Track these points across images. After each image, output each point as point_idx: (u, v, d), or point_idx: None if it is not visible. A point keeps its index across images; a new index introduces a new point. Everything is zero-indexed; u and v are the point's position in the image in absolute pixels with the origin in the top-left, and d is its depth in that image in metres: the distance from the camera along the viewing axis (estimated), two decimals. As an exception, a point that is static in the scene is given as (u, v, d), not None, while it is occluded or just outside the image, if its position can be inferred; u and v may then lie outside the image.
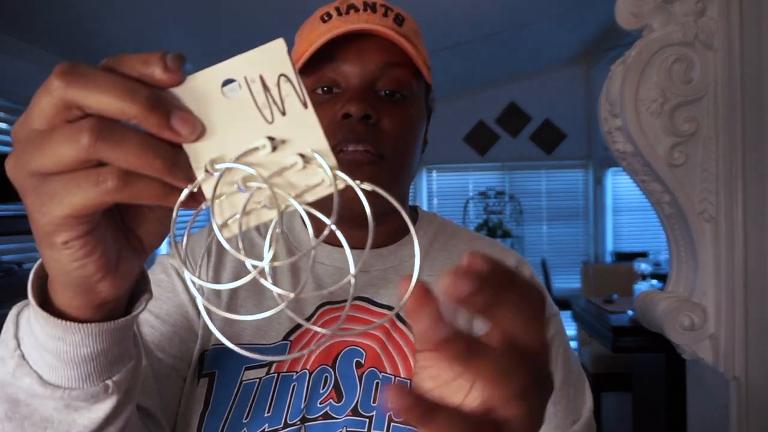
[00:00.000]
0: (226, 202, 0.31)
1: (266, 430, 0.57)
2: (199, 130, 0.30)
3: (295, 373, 0.60)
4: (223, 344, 0.60)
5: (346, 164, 0.61)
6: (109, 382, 0.38)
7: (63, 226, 0.30)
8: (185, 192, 0.30)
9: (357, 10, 0.63)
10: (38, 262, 0.37)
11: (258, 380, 0.60)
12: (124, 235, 0.35)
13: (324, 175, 0.30)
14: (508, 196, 5.24)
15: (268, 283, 0.31)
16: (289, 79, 0.29)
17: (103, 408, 0.39)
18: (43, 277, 0.37)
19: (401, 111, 0.63)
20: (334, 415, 0.58)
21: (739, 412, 1.22)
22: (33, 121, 0.29)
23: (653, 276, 3.83)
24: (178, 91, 0.30)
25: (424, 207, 2.19)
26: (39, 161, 0.29)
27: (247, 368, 0.60)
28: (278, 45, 0.29)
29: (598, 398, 3.06)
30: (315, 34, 0.62)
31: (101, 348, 0.37)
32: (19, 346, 0.38)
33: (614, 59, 1.25)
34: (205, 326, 0.62)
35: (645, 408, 2.52)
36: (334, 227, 0.31)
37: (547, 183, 5.26)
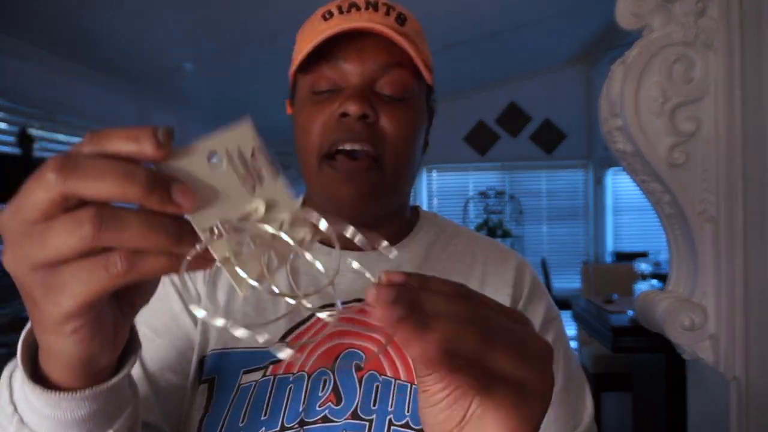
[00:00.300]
0: (238, 260, 0.34)
1: None
2: (197, 199, 0.31)
3: (291, 375, 0.60)
4: (221, 349, 0.60)
5: (345, 172, 0.60)
6: (110, 431, 0.39)
7: (74, 316, 0.30)
8: (192, 254, 0.31)
9: (359, 8, 0.62)
10: (26, 331, 0.37)
11: (254, 383, 0.59)
12: (119, 305, 0.35)
13: (305, 232, 0.35)
14: (508, 196, 5.24)
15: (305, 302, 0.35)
16: (255, 153, 0.33)
17: None
18: (32, 346, 0.36)
19: (401, 111, 0.62)
20: (334, 419, 0.57)
21: (739, 412, 1.22)
22: (27, 214, 0.28)
23: (653, 276, 3.83)
24: (170, 167, 0.31)
25: (424, 207, 2.18)
26: (41, 254, 0.28)
27: (245, 372, 0.60)
28: (246, 127, 0.33)
29: (598, 398, 3.06)
30: (316, 32, 0.61)
31: (98, 406, 0.37)
32: (16, 410, 0.37)
33: (614, 59, 1.25)
34: (203, 332, 0.62)
35: (645, 408, 2.52)
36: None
37: (547, 183, 5.26)
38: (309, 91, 0.64)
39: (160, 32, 2.62)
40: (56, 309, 0.30)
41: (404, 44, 0.60)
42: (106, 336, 0.33)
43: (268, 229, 0.33)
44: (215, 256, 0.32)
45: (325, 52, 0.61)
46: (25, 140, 2.26)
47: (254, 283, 0.33)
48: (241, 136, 0.33)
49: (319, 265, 0.36)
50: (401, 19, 0.63)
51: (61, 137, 2.63)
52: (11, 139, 2.27)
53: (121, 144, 0.29)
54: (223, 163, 0.32)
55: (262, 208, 0.33)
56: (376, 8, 0.63)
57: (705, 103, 1.20)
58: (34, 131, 2.37)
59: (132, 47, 2.68)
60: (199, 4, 2.42)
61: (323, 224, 0.34)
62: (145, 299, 0.37)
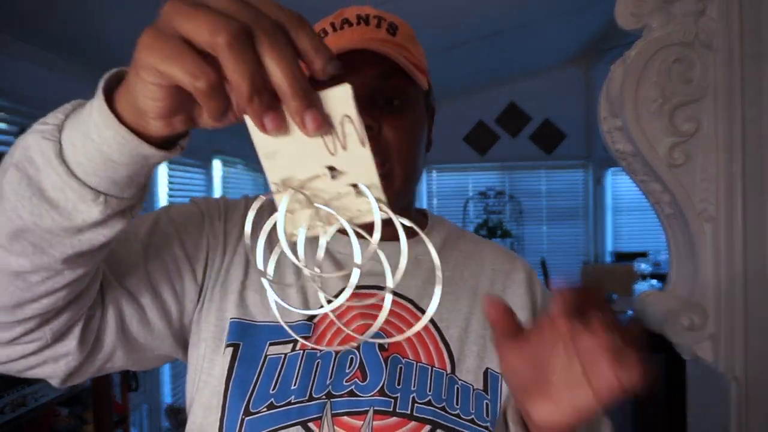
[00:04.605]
0: (289, 217, 0.38)
1: (292, 401, 0.60)
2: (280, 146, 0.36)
3: (319, 352, 0.64)
4: (249, 320, 0.64)
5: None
6: (101, 195, 0.41)
7: (154, 74, 0.35)
8: (258, 201, 0.38)
9: (351, 24, 0.66)
10: (113, 71, 0.42)
11: (284, 355, 0.63)
12: (187, 109, 0.39)
13: (368, 205, 0.36)
14: (508, 196, 5.24)
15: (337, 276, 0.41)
16: (351, 120, 0.34)
17: (91, 212, 0.41)
18: (110, 82, 0.41)
19: (401, 118, 0.66)
20: (360, 394, 0.62)
21: (739, 412, 1.22)
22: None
23: (653, 276, 3.83)
24: None
25: (424, 207, 2.19)
26: (187, 26, 0.33)
27: (272, 344, 0.63)
28: (345, 89, 0.34)
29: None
30: None
31: (117, 158, 0.40)
32: (64, 120, 0.42)
33: (614, 59, 1.25)
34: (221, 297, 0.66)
35: (645, 408, 2.52)
36: (375, 247, 0.38)
37: (547, 183, 5.26)
38: None
39: (160, 32, 2.63)
40: (147, 59, 0.35)
41: (395, 57, 0.63)
42: (165, 108, 0.37)
43: (319, 197, 0.36)
44: (277, 206, 0.36)
45: None
46: (25, 140, 2.27)
47: (290, 255, 0.37)
48: (337, 98, 0.34)
49: (355, 244, 0.38)
50: (392, 29, 0.67)
51: (61, 137, 2.64)
52: (11, 139, 2.27)
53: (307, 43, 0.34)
54: None
55: (328, 175, 0.35)
56: (367, 22, 0.66)
57: (705, 103, 1.20)
58: (34, 131, 2.37)
59: (132, 48, 2.68)
60: (199, 4, 2.42)
61: (375, 207, 0.36)
62: (198, 123, 0.41)
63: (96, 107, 0.40)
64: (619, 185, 5.02)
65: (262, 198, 0.37)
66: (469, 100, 5.01)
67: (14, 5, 2.06)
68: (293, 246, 0.39)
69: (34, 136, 0.41)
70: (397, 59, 0.63)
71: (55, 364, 0.54)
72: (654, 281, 3.65)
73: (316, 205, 0.37)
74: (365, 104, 0.63)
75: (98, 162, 0.40)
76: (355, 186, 0.36)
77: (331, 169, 0.35)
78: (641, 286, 3.00)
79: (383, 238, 0.38)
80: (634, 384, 0.41)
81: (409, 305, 0.68)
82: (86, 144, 0.40)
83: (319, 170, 0.35)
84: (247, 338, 0.63)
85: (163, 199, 3.44)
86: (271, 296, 0.40)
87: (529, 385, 0.46)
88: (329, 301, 0.39)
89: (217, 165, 4.18)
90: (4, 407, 1.76)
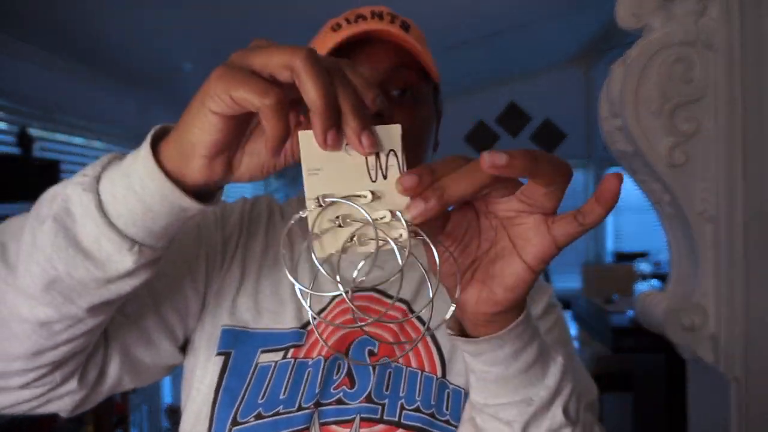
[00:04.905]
0: (325, 234, 0.40)
1: (280, 411, 0.60)
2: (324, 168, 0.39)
3: (310, 360, 0.63)
4: (241, 327, 0.63)
5: None
6: (136, 245, 0.43)
7: (223, 99, 0.37)
8: (296, 217, 0.40)
9: (365, 18, 0.66)
10: (158, 127, 0.43)
11: (274, 363, 0.62)
12: (232, 150, 0.43)
13: (402, 231, 0.39)
14: (509, 196, 5.23)
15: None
16: (396, 155, 0.39)
17: (125, 262, 0.43)
18: (156, 138, 0.43)
19: (413, 110, 0.66)
20: (348, 401, 0.61)
21: (739, 412, 1.22)
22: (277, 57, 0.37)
23: (653, 276, 3.83)
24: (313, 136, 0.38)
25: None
26: (260, 58, 0.37)
27: (263, 351, 0.63)
28: (396, 128, 0.39)
29: (598, 398, 3.06)
30: (326, 43, 0.65)
31: (157, 209, 0.42)
32: (103, 170, 0.44)
33: (614, 59, 1.25)
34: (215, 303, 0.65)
35: (645, 408, 2.52)
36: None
37: (547, 183, 5.24)
38: None
39: (160, 32, 2.62)
40: (215, 88, 0.37)
41: (411, 43, 0.64)
42: (217, 143, 0.40)
43: (358, 208, 0.38)
44: (309, 222, 0.38)
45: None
46: (25, 140, 2.26)
47: (320, 267, 0.39)
48: (388, 134, 0.39)
49: (396, 252, 0.40)
50: (405, 26, 0.67)
51: (61, 137, 2.63)
52: (11, 139, 2.27)
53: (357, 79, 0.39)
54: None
55: (369, 196, 0.38)
56: (381, 17, 0.67)
57: (705, 103, 1.20)
58: (34, 131, 2.37)
59: (132, 47, 2.68)
60: (200, 4, 2.42)
61: (404, 233, 0.39)
62: (239, 171, 0.44)
63: (142, 157, 0.42)
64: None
65: (298, 216, 0.40)
66: (469, 100, 5.01)
67: (14, 5, 2.06)
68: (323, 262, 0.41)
69: (74, 188, 0.43)
70: (414, 48, 0.64)
71: (60, 401, 0.54)
72: (654, 281, 3.65)
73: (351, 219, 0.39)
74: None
75: (138, 212, 0.42)
76: (391, 212, 0.39)
77: (372, 193, 0.39)
78: (641, 286, 3.00)
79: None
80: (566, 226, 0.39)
81: (403, 306, 0.67)
82: (128, 195, 0.42)
83: (360, 191, 0.39)
84: (239, 346, 0.63)
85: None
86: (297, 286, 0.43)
87: (461, 271, 0.43)
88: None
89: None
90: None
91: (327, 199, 0.38)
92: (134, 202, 0.42)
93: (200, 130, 0.39)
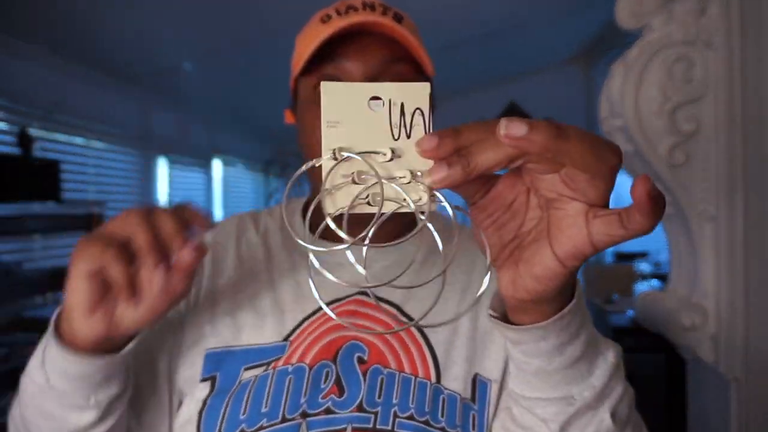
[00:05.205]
0: (338, 190, 0.37)
1: (264, 425, 0.57)
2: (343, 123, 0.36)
3: (290, 366, 0.60)
4: (223, 347, 0.62)
5: None
6: (92, 398, 0.50)
7: (79, 266, 0.44)
8: (309, 164, 0.38)
9: (356, 9, 0.63)
10: (59, 309, 0.49)
11: (254, 377, 0.60)
12: (108, 307, 0.46)
13: (422, 194, 0.36)
14: (508, 196, 5.22)
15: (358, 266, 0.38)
16: (422, 114, 0.36)
17: (87, 416, 0.50)
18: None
19: None
20: (337, 411, 0.58)
21: (739, 412, 1.22)
22: None
23: (653, 276, 3.83)
24: (338, 87, 0.36)
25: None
26: (110, 227, 0.45)
27: (246, 368, 0.60)
28: (425, 86, 0.36)
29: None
30: (316, 34, 0.62)
31: (88, 371, 0.48)
32: (44, 357, 0.50)
33: (614, 59, 1.25)
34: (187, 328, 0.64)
35: (645, 408, 2.52)
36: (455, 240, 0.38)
37: (547, 183, 5.24)
38: (313, 90, 0.64)
39: (160, 32, 2.62)
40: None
41: (404, 35, 0.61)
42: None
43: (368, 165, 0.36)
44: (323, 174, 0.36)
45: (326, 53, 0.62)
46: (25, 140, 2.26)
47: (331, 224, 0.36)
48: (415, 92, 0.36)
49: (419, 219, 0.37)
50: (398, 18, 0.64)
51: (61, 137, 2.63)
52: (11, 139, 2.27)
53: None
54: (382, 107, 0.36)
55: (389, 154, 0.36)
56: (373, 8, 0.64)
57: (705, 102, 1.20)
58: (34, 131, 2.37)
59: (132, 47, 2.68)
60: (199, 4, 2.42)
61: (424, 196, 0.36)
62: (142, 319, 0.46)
63: (46, 338, 0.49)
64: (619, 185, 5.02)
65: (311, 164, 0.38)
66: (469, 100, 5.01)
67: (14, 5, 2.06)
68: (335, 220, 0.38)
69: (34, 364, 0.50)
70: (408, 41, 0.62)
71: None
72: (654, 281, 3.65)
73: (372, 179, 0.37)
74: None
75: (67, 386, 0.49)
76: (411, 173, 0.36)
77: (392, 150, 0.36)
78: (641, 286, 3.00)
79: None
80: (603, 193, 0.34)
81: (393, 310, 0.64)
82: (54, 370, 0.49)
83: (379, 149, 0.36)
84: (222, 367, 0.61)
85: (163, 199, 3.45)
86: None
87: (498, 254, 0.39)
88: (328, 303, 0.38)
89: (217, 165, 4.18)
90: (5, 407, 1.76)
91: (343, 154, 0.36)
92: (61, 373, 0.49)
93: (70, 294, 0.45)
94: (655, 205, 0.31)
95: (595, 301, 3.01)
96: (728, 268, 1.22)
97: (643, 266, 4.07)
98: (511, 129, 0.30)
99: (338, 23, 0.61)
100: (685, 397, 1.43)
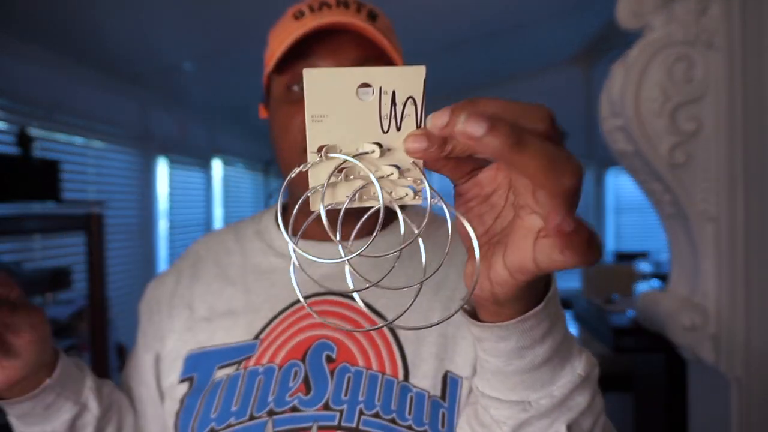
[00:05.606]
0: (319, 189, 0.35)
1: (232, 423, 0.58)
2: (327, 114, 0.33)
3: (261, 366, 0.61)
4: (199, 348, 0.64)
5: None
6: (48, 426, 0.59)
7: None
8: (296, 171, 0.35)
9: (329, 6, 0.62)
10: None
11: (226, 377, 0.61)
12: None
13: (407, 190, 0.35)
14: (509, 196, 5.22)
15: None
16: (415, 103, 0.33)
17: None
18: None
19: None
20: (303, 408, 0.58)
21: (740, 412, 1.22)
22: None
23: (654, 276, 3.83)
24: (324, 74, 0.32)
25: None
26: None
27: (220, 367, 0.62)
28: (419, 70, 0.33)
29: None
30: (289, 32, 0.61)
31: (23, 410, 0.57)
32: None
33: (614, 59, 1.25)
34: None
35: (646, 408, 2.52)
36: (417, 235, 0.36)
37: (548, 183, 5.24)
38: (285, 90, 0.63)
39: (160, 32, 2.62)
40: None
41: (378, 37, 0.60)
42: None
43: (364, 169, 0.34)
44: (309, 176, 0.34)
45: (299, 51, 0.61)
46: (24, 140, 2.26)
47: (324, 220, 0.34)
48: (408, 77, 0.33)
49: (402, 221, 0.37)
50: (372, 16, 0.63)
51: (61, 137, 2.63)
52: (11, 139, 2.27)
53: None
54: (371, 96, 0.33)
55: (377, 152, 0.34)
56: (347, 6, 0.63)
57: (706, 102, 1.20)
58: (33, 131, 2.37)
59: (132, 47, 2.68)
60: (199, 4, 2.42)
61: (410, 193, 0.35)
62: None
63: None
64: (619, 185, 5.02)
65: (298, 169, 0.35)
66: (469, 100, 5.01)
67: (14, 5, 2.06)
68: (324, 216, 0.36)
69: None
70: (380, 40, 0.60)
71: None
72: (654, 281, 3.65)
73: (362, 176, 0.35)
74: None
75: (16, 416, 0.59)
76: (398, 168, 0.34)
77: (379, 146, 0.34)
78: (641, 286, 3.00)
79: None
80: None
81: (365, 309, 0.64)
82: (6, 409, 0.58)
83: (365, 147, 0.34)
84: (199, 368, 0.63)
85: (163, 198, 3.44)
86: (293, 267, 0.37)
87: (467, 245, 0.38)
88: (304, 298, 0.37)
89: (217, 165, 4.18)
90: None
91: (329, 155, 0.34)
92: (10, 416, 0.58)
93: None
94: (578, 239, 0.29)
95: (595, 301, 3.01)
96: (728, 268, 1.22)
97: (643, 266, 4.06)
98: (468, 127, 0.28)
99: (311, 22, 0.60)
100: (686, 397, 1.43)
